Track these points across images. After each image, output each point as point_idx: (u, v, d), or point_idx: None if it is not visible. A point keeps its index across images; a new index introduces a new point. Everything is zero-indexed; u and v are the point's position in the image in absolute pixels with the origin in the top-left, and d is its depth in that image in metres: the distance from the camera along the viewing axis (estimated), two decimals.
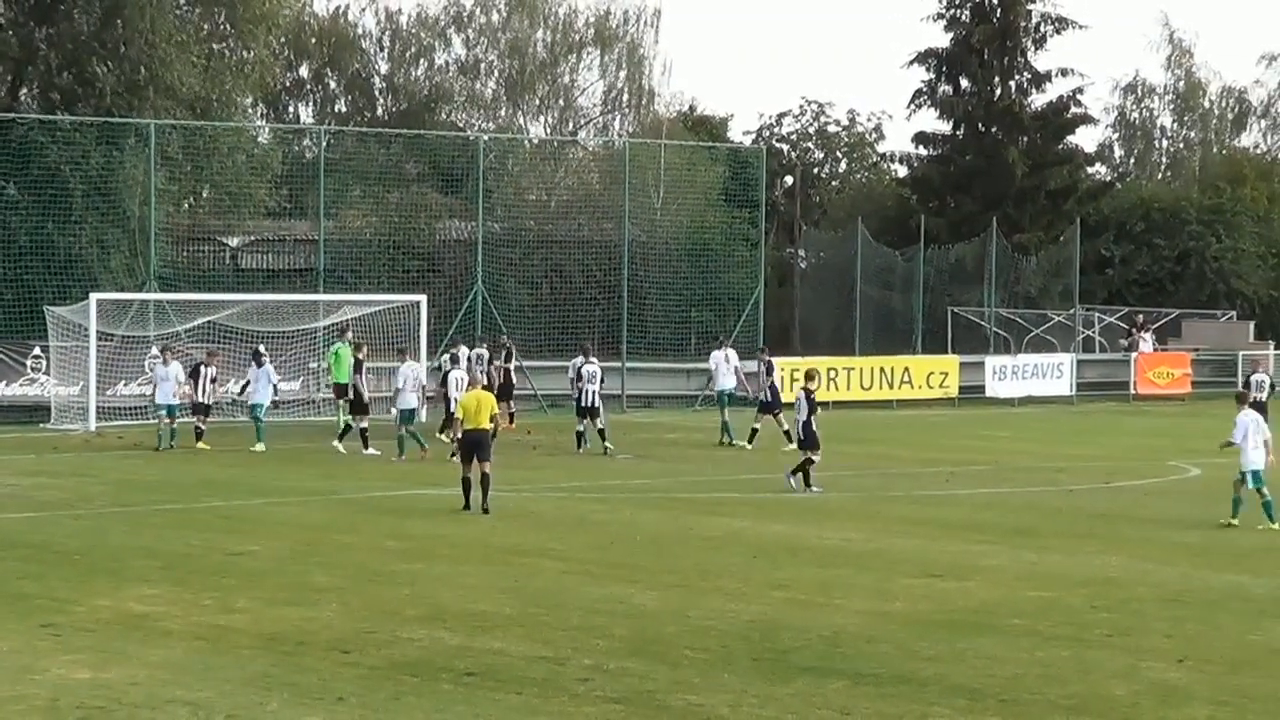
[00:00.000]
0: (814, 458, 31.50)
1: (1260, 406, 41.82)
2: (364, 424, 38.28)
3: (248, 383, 40.00)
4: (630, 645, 17.51)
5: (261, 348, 41.64)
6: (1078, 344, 64.41)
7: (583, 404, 39.30)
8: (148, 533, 25.48)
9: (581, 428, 39.02)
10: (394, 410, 37.72)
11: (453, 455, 31.88)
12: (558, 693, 15.49)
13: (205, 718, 14.53)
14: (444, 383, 38.37)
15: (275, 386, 40.43)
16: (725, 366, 42.24)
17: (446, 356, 41.65)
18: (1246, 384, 43.52)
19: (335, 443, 38.16)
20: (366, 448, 37.76)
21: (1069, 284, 66.24)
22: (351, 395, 38.84)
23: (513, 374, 44.52)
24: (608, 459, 37.64)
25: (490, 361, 43.88)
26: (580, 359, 40.04)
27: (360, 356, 39.12)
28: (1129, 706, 15.37)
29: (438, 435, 38.01)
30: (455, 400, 36.37)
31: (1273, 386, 44.23)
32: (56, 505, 28.80)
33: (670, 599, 20.18)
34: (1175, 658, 17.32)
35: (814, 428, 31.53)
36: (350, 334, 42.74)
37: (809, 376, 33.17)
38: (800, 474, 31.36)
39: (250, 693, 15.31)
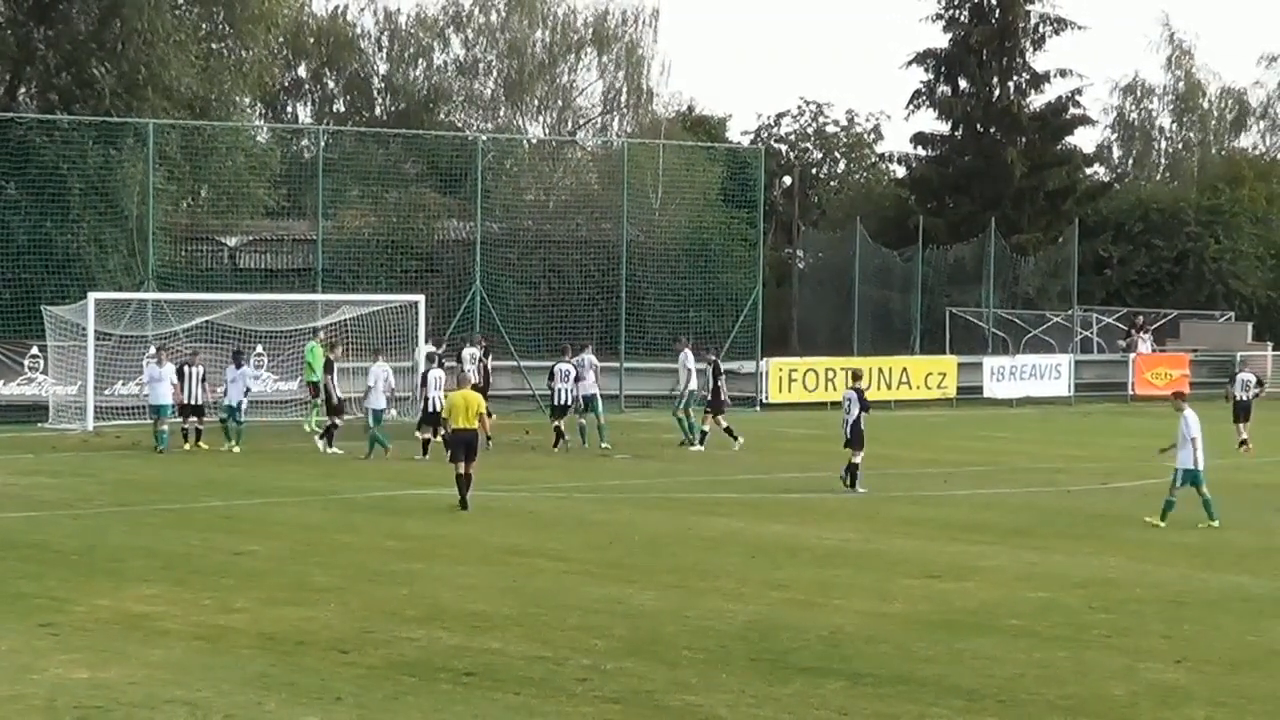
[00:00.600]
0: (855, 459, 31.54)
1: (1245, 406, 42.16)
2: (337, 422, 38.49)
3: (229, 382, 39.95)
4: (628, 645, 17.51)
5: (260, 348, 41.48)
6: (1076, 345, 64.37)
7: (554, 402, 39.55)
8: (147, 532, 25.48)
9: (559, 424, 39.28)
10: (367, 409, 37.93)
11: (423, 455, 34.91)
12: (556, 693, 15.49)
13: (203, 717, 14.53)
14: (424, 383, 38.45)
15: (248, 389, 40.24)
16: (694, 369, 42.37)
17: (423, 355, 41.71)
18: (1232, 380, 43.66)
19: (329, 449, 38.18)
20: (330, 445, 37.89)
21: (1067, 285, 66.19)
22: (323, 395, 39.13)
23: (489, 370, 44.42)
24: (605, 458, 37.66)
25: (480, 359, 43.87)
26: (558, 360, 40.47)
27: (332, 356, 39.25)
28: (1127, 707, 15.38)
29: (416, 434, 37.89)
30: (435, 400, 36.57)
31: (1260, 384, 44.29)
32: (55, 505, 28.79)
33: (668, 599, 20.19)
34: (1173, 658, 17.32)
35: (862, 427, 31.54)
36: (323, 334, 42.74)
37: (856, 376, 33.11)
38: (850, 476, 31.44)
39: (248, 692, 15.32)
